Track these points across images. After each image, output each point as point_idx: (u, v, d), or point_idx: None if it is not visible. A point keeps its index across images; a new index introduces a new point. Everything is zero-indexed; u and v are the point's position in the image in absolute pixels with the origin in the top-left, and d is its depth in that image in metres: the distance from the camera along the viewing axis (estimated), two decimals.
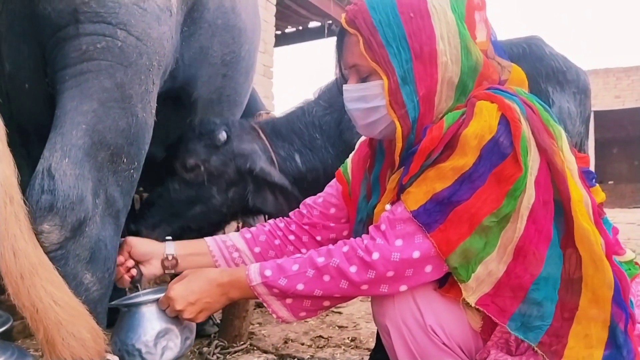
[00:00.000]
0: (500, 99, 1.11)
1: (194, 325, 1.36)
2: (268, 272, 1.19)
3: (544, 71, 2.15)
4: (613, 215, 11.26)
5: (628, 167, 22.03)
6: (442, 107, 1.18)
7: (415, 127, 1.18)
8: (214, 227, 1.97)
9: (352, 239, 1.21)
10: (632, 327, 1.07)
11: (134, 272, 1.42)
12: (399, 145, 1.19)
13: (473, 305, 1.11)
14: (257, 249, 1.49)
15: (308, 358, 2.14)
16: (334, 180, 1.56)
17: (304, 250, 1.49)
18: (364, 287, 1.14)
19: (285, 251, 1.50)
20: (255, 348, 2.27)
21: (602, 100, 17.16)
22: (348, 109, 1.28)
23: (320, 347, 2.32)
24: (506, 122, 1.08)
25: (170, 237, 1.49)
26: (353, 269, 1.13)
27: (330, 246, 1.22)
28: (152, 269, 1.44)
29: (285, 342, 2.38)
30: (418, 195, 1.12)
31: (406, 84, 1.16)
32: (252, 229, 1.55)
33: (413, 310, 1.17)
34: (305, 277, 1.17)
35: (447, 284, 1.16)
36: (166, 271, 1.45)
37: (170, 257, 1.44)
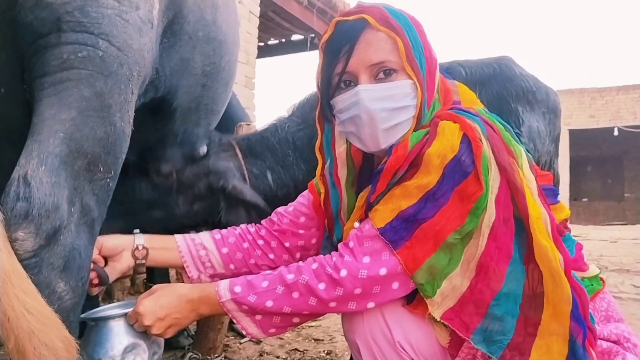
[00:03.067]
0: (462, 119, 1.14)
1: (162, 340, 1.35)
2: (238, 289, 1.20)
3: (514, 91, 2.21)
4: (586, 232, 11.46)
5: (602, 185, 22.46)
6: (422, 121, 1.21)
7: None
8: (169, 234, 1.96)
9: (321, 255, 1.22)
10: (594, 342, 1.09)
11: (95, 281, 1.40)
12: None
13: (438, 319, 1.13)
14: (224, 250, 1.49)
15: None
16: (307, 190, 1.58)
17: (271, 255, 1.51)
18: (332, 304, 1.16)
19: (253, 255, 1.51)
20: None
21: (577, 119, 17.51)
22: (368, 109, 1.16)
23: None
24: (468, 142, 1.11)
25: (138, 230, 1.49)
26: (322, 286, 1.14)
27: (300, 263, 1.23)
28: (123, 262, 1.44)
29: (261, 355, 2.37)
30: (385, 213, 1.14)
31: (423, 92, 1.18)
32: (223, 230, 1.56)
33: (382, 326, 1.19)
34: (275, 294, 1.17)
35: (414, 300, 1.18)
36: (137, 262, 1.44)
37: (140, 247, 1.43)
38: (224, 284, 1.22)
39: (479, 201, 1.08)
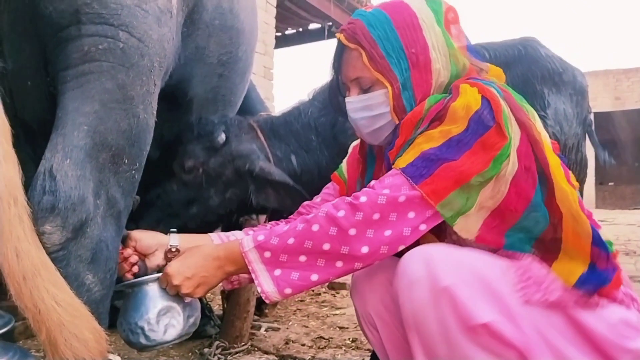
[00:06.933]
0: (479, 84, 1.21)
1: (197, 304, 1.37)
2: (260, 237, 1.21)
3: (540, 73, 2.16)
4: (613, 216, 11.26)
5: (628, 169, 21.96)
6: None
7: None
8: (210, 226, 1.96)
9: None
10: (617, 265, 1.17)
11: (135, 269, 1.43)
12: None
13: (473, 238, 1.18)
14: None
15: (309, 359, 2.14)
16: (331, 182, 1.59)
17: None
18: (352, 231, 1.15)
19: None
20: (256, 349, 2.27)
21: (602, 102, 17.13)
22: (353, 119, 1.35)
23: (321, 348, 2.32)
24: (488, 101, 1.16)
25: (175, 230, 1.50)
26: (341, 213, 1.15)
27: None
28: (155, 260, 1.46)
29: (286, 343, 2.38)
30: (407, 157, 1.18)
31: (406, 90, 1.26)
32: (255, 228, 1.57)
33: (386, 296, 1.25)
34: (295, 231, 1.19)
35: None
36: (167, 263, 1.45)
37: (174, 249, 1.45)
38: (248, 237, 1.25)
39: (502, 150, 1.13)
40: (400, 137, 1.24)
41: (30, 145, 1.41)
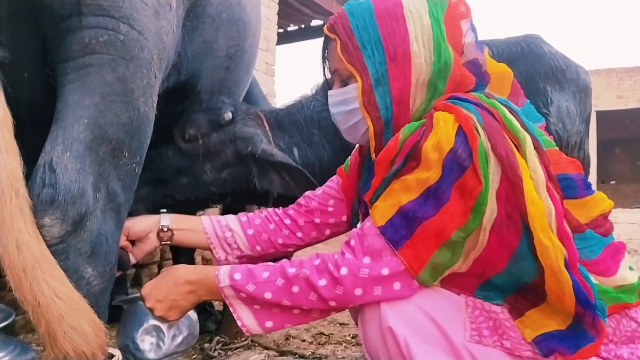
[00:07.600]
0: (457, 109, 1.09)
1: (189, 323, 1.36)
2: (237, 276, 1.17)
3: (543, 70, 2.15)
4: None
5: (630, 167, 21.98)
6: (417, 107, 1.19)
7: (391, 127, 1.20)
8: (198, 203, 1.94)
9: (325, 253, 1.19)
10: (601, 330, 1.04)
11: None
12: (372, 143, 1.23)
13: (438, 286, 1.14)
14: (250, 231, 1.50)
15: (309, 355, 2.14)
16: (335, 175, 1.57)
17: (299, 234, 1.51)
18: (332, 303, 1.12)
19: (280, 235, 1.50)
20: (256, 344, 2.27)
21: (605, 100, 17.10)
22: (332, 113, 1.31)
23: (322, 344, 2.32)
24: (463, 134, 1.06)
25: (164, 210, 1.50)
26: (322, 283, 1.11)
27: (304, 258, 1.20)
28: (149, 243, 1.46)
29: (287, 339, 2.38)
30: (384, 210, 1.12)
31: (379, 85, 1.18)
32: (250, 213, 1.56)
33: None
34: (274, 285, 1.14)
35: None
36: (162, 242, 1.46)
37: (165, 229, 1.45)
38: (224, 269, 1.19)
39: (479, 197, 1.04)
40: (377, 177, 1.17)
41: (21, 139, 1.40)
